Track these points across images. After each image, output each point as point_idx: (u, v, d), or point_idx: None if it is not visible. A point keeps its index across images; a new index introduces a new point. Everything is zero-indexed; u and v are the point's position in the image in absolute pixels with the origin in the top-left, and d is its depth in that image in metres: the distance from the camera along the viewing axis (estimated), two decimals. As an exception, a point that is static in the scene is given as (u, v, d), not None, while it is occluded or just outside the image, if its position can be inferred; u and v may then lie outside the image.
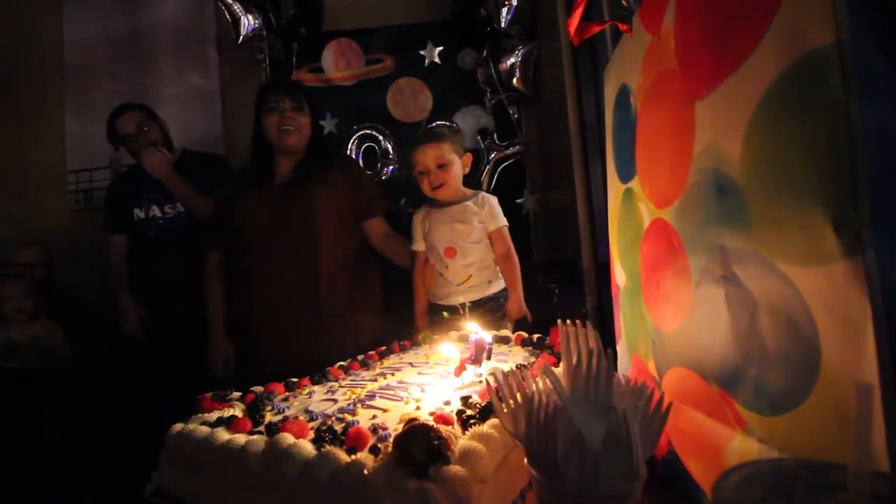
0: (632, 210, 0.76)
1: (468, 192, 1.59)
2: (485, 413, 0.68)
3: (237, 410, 0.81)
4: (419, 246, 1.60)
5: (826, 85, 0.35)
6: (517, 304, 1.50)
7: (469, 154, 1.60)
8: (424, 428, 0.56)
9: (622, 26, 0.72)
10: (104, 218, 2.04)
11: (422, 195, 2.23)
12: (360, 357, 1.13)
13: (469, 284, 1.52)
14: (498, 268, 1.55)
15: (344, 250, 1.62)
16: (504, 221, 1.54)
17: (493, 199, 1.56)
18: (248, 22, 2.22)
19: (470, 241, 1.51)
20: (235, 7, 2.22)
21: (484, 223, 1.52)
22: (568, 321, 0.57)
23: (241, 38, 2.24)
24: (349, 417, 0.72)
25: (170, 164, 1.88)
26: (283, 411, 0.79)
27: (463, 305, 1.52)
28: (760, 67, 0.42)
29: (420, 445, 0.54)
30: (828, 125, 0.36)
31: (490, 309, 1.52)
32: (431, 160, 1.52)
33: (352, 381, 0.95)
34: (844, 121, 0.34)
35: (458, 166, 1.55)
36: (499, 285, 1.55)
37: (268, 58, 2.27)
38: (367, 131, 2.29)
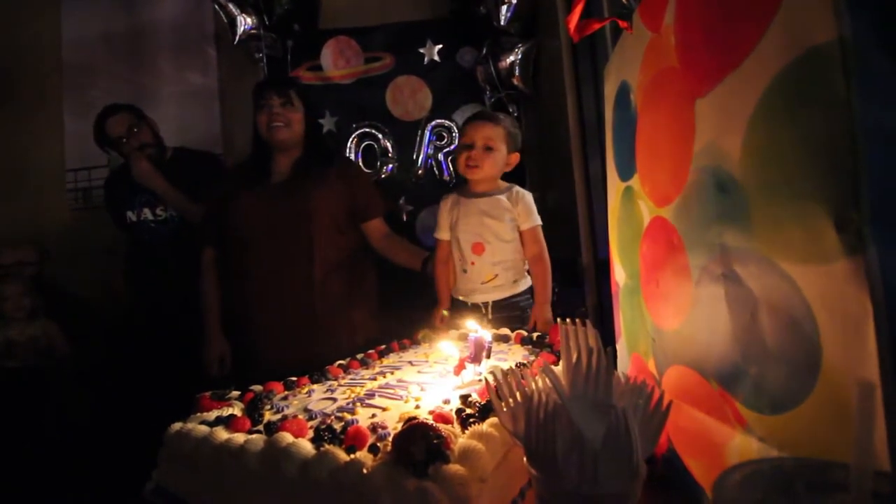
0: (632, 208, 0.76)
1: (502, 185, 1.50)
2: (484, 412, 0.67)
3: (236, 409, 0.81)
4: (444, 234, 1.51)
5: (827, 82, 0.35)
6: (545, 311, 1.41)
7: (517, 154, 1.50)
8: (424, 427, 0.56)
9: (622, 23, 0.72)
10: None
11: (421, 194, 2.23)
12: (359, 356, 1.13)
13: (494, 284, 1.45)
14: (524, 266, 1.48)
15: (340, 250, 1.61)
16: (538, 220, 1.45)
17: (529, 196, 1.47)
18: (243, 21, 2.22)
19: (500, 239, 1.43)
20: (230, 7, 2.22)
21: (516, 220, 1.44)
22: (567, 320, 0.57)
23: (238, 37, 2.24)
24: (348, 416, 0.72)
25: (157, 171, 1.86)
26: (282, 410, 0.79)
27: (486, 304, 1.46)
28: (761, 65, 0.42)
29: (419, 444, 0.54)
30: (829, 122, 0.35)
31: (514, 311, 1.46)
32: (480, 137, 1.44)
33: (351, 379, 0.95)
34: (846, 118, 0.34)
35: (502, 157, 1.46)
36: (524, 285, 1.48)
37: (265, 56, 2.27)
38: (367, 130, 2.28)
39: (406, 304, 1.62)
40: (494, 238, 1.43)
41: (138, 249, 1.97)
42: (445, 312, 1.51)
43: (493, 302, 1.45)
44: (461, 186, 1.53)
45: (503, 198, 1.45)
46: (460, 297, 1.50)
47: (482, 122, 1.46)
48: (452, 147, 2.25)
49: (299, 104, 1.63)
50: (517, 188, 1.49)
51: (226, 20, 2.24)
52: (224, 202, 1.64)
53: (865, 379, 0.31)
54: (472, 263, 1.45)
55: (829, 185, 0.36)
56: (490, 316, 1.43)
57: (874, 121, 0.33)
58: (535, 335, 1.20)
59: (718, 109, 0.50)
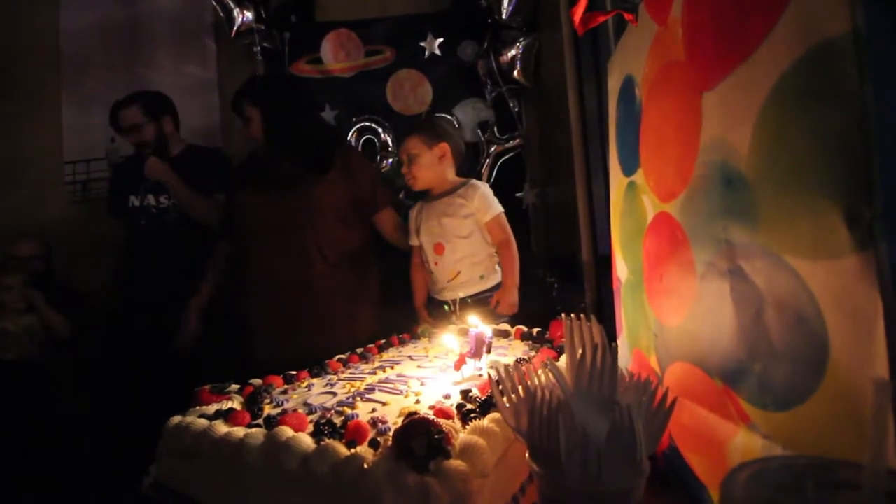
0: (635, 203, 0.75)
1: (457, 181, 1.54)
2: (485, 407, 0.67)
3: (235, 403, 0.80)
4: (414, 240, 1.57)
5: (841, 75, 0.34)
6: (511, 294, 1.42)
7: (443, 144, 1.51)
8: (425, 422, 0.56)
9: (628, 16, 0.71)
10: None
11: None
12: (359, 350, 1.12)
13: (458, 281, 1.48)
14: (494, 260, 1.52)
15: (342, 245, 1.61)
16: (499, 209, 1.48)
17: (483, 187, 1.50)
18: (240, 14, 2.20)
19: (458, 236, 1.47)
20: (227, 0, 2.20)
21: (474, 215, 1.47)
22: (572, 315, 0.56)
23: (235, 31, 2.22)
24: (348, 411, 0.72)
25: (167, 169, 1.87)
26: (282, 404, 0.79)
27: (454, 302, 1.49)
28: (772, 56, 0.41)
29: (420, 440, 0.53)
30: (841, 116, 0.35)
31: (483, 307, 1.45)
32: (403, 153, 1.53)
33: (351, 374, 0.95)
34: (859, 111, 0.33)
35: (430, 158, 1.50)
36: (493, 280, 1.51)
37: (261, 50, 2.25)
38: (367, 123, 2.27)
39: (406, 298, 1.62)
40: (453, 236, 1.47)
41: (136, 237, 1.97)
42: (447, 307, 1.52)
43: (461, 299, 1.49)
44: (426, 193, 1.58)
45: (456, 196, 1.49)
46: (435, 297, 1.56)
47: (403, 142, 1.56)
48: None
49: (253, 111, 1.62)
50: (472, 182, 1.53)
51: (222, 14, 2.22)
52: (234, 196, 1.66)
53: (881, 376, 0.31)
54: (436, 264, 1.51)
55: (840, 179, 0.35)
56: (458, 313, 1.45)
57: (888, 114, 0.33)
58: (534, 330, 1.19)
59: (726, 103, 0.49)
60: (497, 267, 1.52)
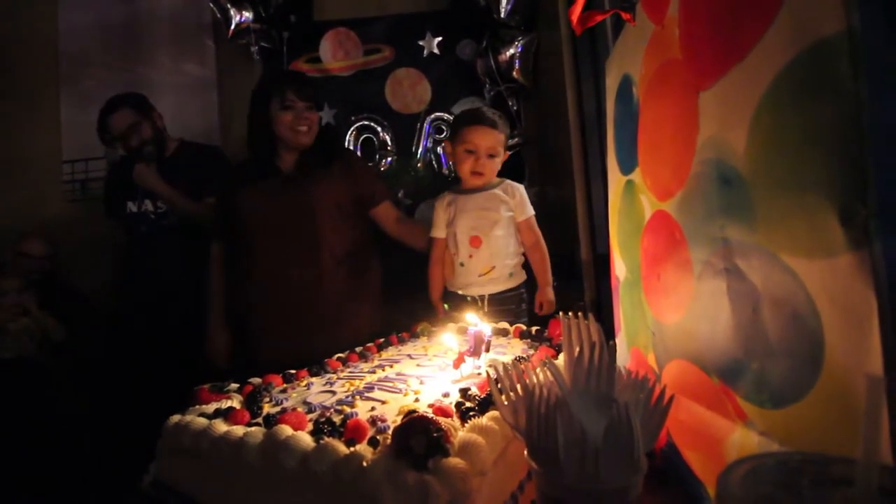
0: (633, 202, 0.76)
1: (495, 179, 1.54)
2: (484, 405, 0.67)
3: (235, 402, 0.80)
4: (440, 233, 1.55)
5: (835, 74, 0.34)
6: (548, 293, 1.46)
7: (507, 153, 1.57)
8: (424, 420, 0.56)
9: (625, 15, 0.71)
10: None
11: (419, 187, 2.22)
12: (358, 349, 1.12)
13: (490, 277, 1.48)
14: (521, 261, 1.53)
15: (345, 243, 1.61)
16: (532, 210, 1.51)
17: (522, 188, 1.53)
18: (237, 14, 2.20)
19: (496, 231, 1.47)
20: (223, 0, 2.20)
21: (513, 212, 1.48)
22: (570, 313, 0.57)
23: (232, 30, 2.22)
24: (348, 409, 0.72)
25: (157, 177, 1.86)
26: (282, 403, 0.79)
27: (482, 297, 1.49)
28: (767, 56, 0.41)
29: (419, 438, 0.53)
30: (836, 115, 0.35)
31: (509, 305, 1.49)
32: (484, 146, 1.46)
33: (350, 372, 0.95)
34: (854, 110, 0.33)
35: (500, 161, 1.51)
36: (518, 279, 1.52)
37: (259, 50, 2.25)
38: (365, 122, 2.27)
39: (406, 296, 1.62)
40: (491, 230, 1.47)
41: (135, 242, 1.96)
42: (446, 305, 1.52)
43: (490, 296, 1.48)
44: (456, 184, 1.56)
45: (498, 191, 1.49)
46: (458, 291, 1.53)
47: (486, 129, 1.47)
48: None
49: (316, 105, 1.63)
50: (508, 181, 1.53)
51: (219, 14, 2.22)
52: (232, 196, 1.64)
53: (874, 373, 0.31)
54: (471, 256, 1.48)
55: (835, 178, 0.35)
56: (486, 309, 1.45)
57: (882, 113, 0.33)
58: (534, 329, 1.19)
59: (722, 102, 0.49)
60: (521, 267, 1.54)
